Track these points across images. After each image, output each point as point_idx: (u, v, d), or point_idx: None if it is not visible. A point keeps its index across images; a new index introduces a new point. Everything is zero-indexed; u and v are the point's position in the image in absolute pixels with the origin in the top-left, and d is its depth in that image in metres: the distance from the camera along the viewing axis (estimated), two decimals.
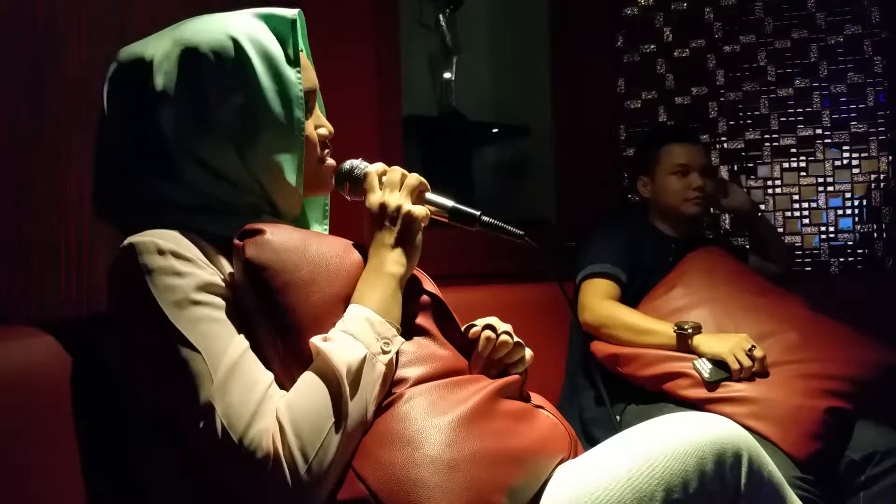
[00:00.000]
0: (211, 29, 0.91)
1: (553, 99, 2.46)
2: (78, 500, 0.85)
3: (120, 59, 0.94)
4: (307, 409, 0.78)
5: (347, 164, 1.03)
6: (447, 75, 2.40)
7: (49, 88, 1.13)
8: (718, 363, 1.59)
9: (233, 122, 0.90)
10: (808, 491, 1.41)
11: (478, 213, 1.01)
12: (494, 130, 2.52)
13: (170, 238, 0.84)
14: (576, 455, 0.96)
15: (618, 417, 1.72)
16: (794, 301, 1.79)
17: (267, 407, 0.79)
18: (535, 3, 2.50)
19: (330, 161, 1.04)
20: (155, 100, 0.89)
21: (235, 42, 0.90)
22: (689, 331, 1.65)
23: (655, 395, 1.67)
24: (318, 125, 1.02)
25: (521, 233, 1.02)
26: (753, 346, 1.59)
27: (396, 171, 0.99)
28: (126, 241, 0.84)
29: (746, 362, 1.56)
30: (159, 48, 0.91)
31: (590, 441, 1.69)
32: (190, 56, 0.89)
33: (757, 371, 1.58)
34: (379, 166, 1.01)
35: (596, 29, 2.53)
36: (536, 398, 1.03)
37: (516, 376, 0.99)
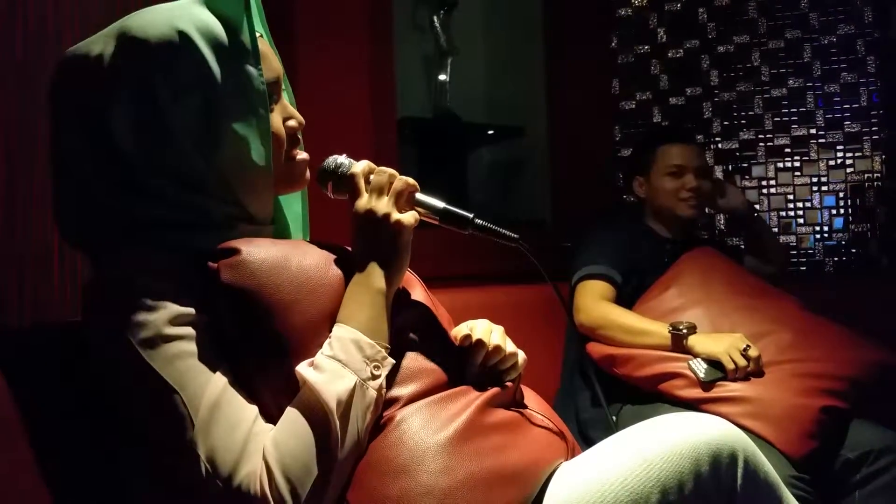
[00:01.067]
0: (157, 22, 0.82)
1: (548, 100, 2.46)
2: (70, 500, 0.84)
3: (66, 58, 0.86)
4: (295, 447, 0.75)
5: (331, 160, 0.96)
6: (442, 77, 2.40)
7: (43, 90, 1.12)
8: (714, 363, 1.59)
9: (191, 125, 0.82)
10: (804, 490, 1.41)
11: (471, 215, 0.96)
12: (489, 132, 2.52)
13: (139, 267, 0.80)
14: (574, 456, 0.95)
15: (614, 418, 1.72)
16: (788, 301, 1.79)
17: (252, 447, 0.75)
18: (530, 5, 2.50)
19: (302, 155, 0.97)
20: (104, 104, 0.82)
21: (184, 36, 0.81)
22: (685, 331, 1.65)
23: (651, 396, 1.66)
24: (287, 116, 0.94)
25: (516, 236, 0.97)
26: (748, 346, 1.58)
27: (384, 174, 0.92)
28: (94, 276, 0.81)
29: (741, 362, 1.56)
30: (105, 45, 0.83)
31: (586, 442, 1.69)
32: (136, 54, 0.81)
33: (752, 371, 1.57)
34: (364, 165, 0.94)
35: (590, 30, 2.54)
36: (531, 398, 1.02)
37: (503, 388, 0.95)
